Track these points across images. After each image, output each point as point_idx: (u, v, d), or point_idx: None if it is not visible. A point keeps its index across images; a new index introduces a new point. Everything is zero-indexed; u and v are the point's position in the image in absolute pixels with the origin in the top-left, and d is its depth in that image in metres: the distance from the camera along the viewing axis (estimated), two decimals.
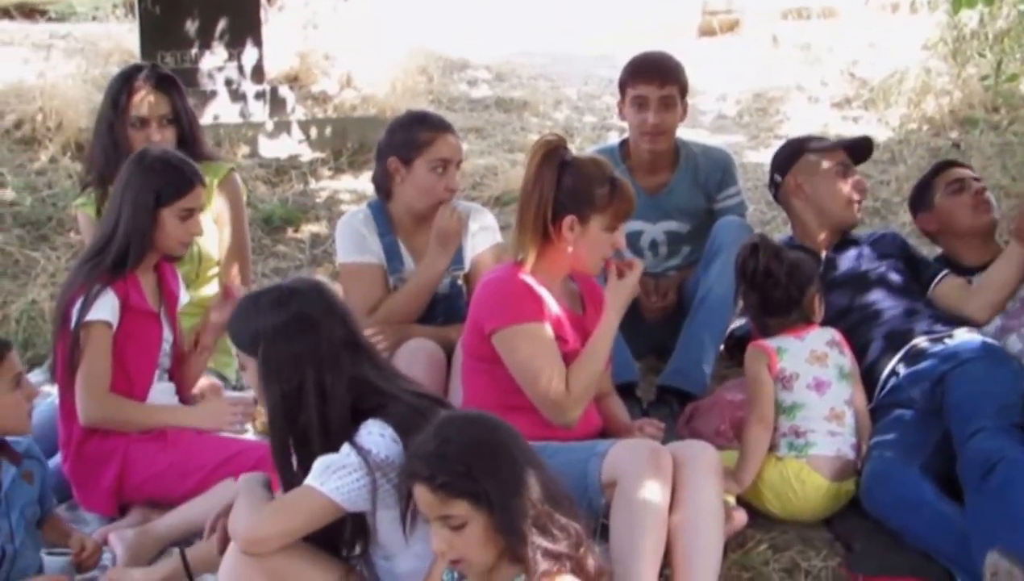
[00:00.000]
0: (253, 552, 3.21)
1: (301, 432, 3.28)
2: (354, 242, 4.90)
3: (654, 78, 5.19)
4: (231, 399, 4.52)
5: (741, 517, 4.04)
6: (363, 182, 7.59)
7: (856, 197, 5.00)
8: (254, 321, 3.34)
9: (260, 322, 3.33)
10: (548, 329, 3.94)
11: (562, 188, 3.97)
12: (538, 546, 2.83)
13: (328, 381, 3.27)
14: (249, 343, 3.35)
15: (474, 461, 2.83)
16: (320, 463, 3.21)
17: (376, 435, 3.19)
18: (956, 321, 4.71)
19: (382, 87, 9.26)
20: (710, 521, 3.61)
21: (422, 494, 2.86)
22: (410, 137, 4.83)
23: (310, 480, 3.20)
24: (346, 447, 3.19)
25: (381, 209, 4.94)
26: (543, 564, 2.83)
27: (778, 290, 4.38)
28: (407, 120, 4.97)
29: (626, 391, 4.60)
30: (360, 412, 3.27)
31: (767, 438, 4.24)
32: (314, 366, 3.27)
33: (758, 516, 4.23)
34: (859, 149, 5.16)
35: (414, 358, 4.48)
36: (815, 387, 4.26)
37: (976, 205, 5.00)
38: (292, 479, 3.30)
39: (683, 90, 5.27)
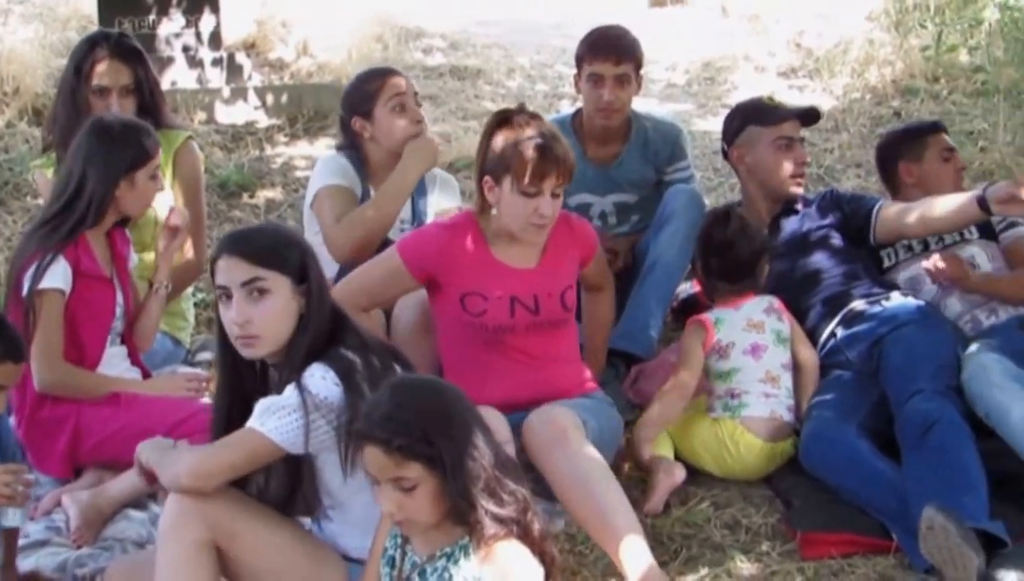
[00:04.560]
0: (197, 488, 3.17)
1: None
2: (335, 171, 4.89)
3: (610, 56, 5.16)
4: (186, 374, 4.49)
5: (680, 473, 4.10)
6: (319, 148, 7.53)
7: (797, 171, 4.96)
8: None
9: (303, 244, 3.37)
10: (399, 264, 4.15)
11: (488, 152, 4.06)
12: (487, 511, 2.82)
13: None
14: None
15: (430, 425, 2.81)
16: (261, 404, 3.19)
17: (318, 377, 3.16)
18: (892, 285, 4.73)
19: (338, 54, 9.20)
20: (589, 465, 3.66)
21: (375, 456, 2.83)
22: (362, 91, 4.89)
23: (251, 422, 3.18)
24: (290, 388, 3.17)
25: (357, 159, 4.94)
26: (491, 528, 2.83)
27: (736, 259, 4.44)
28: (354, 80, 5.06)
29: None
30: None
31: (678, 405, 4.30)
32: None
33: (701, 475, 4.26)
34: (805, 118, 5.14)
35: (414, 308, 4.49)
36: (751, 352, 4.30)
37: (956, 180, 5.05)
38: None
39: (638, 66, 5.24)
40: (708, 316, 4.40)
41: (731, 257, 4.45)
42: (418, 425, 2.80)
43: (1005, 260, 4.84)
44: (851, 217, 4.81)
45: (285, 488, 3.30)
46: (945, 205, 4.50)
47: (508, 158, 3.99)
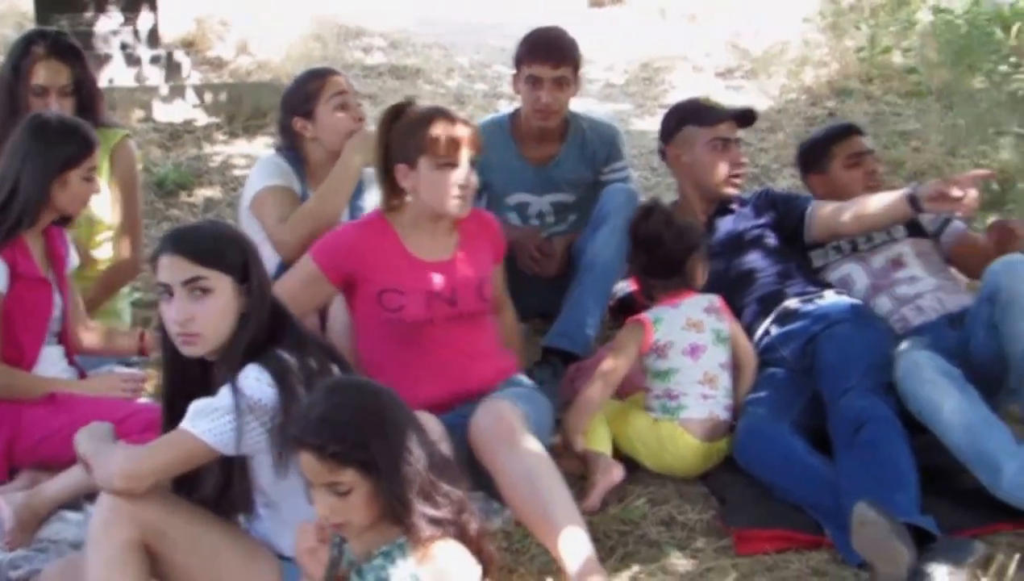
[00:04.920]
0: (130, 489, 3.15)
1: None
2: (274, 172, 4.87)
3: (548, 58, 5.17)
4: (122, 374, 4.44)
5: (618, 472, 4.10)
6: (257, 147, 7.52)
7: (733, 172, 4.98)
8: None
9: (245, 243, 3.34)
10: (314, 269, 4.16)
11: (391, 142, 4.09)
12: (422, 513, 2.81)
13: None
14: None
15: (364, 429, 2.79)
16: (195, 406, 3.17)
17: (252, 379, 3.14)
18: (825, 283, 4.77)
19: (277, 53, 9.19)
20: (536, 462, 3.67)
21: (309, 462, 2.81)
22: (302, 91, 4.88)
23: (184, 423, 3.16)
24: (224, 390, 3.15)
25: (296, 160, 4.92)
26: (427, 530, 2.81)
27: (664, 254, 4.43)
28: (295, 81, 5.04)
29: None
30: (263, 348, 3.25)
31: (600, 398, 4.29)
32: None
33: (638, 471, 4.27)
34: (742, 119, 5.16)
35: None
36: (690, 352, 4.30)
37: (868, 184, 5.01)
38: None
39: (576, 68, 5.26)
40: (647, 316, 4.39)
41: (658, 252, 4.45)
42: (352, 430, 2.78)
43: (952, 256, 4.89)
44: (785, 216, 4.84)
45: (218, 488, 3.27)
46: (877, 203, 4.54)
47: (420, 139, 4.03)
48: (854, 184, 5.00)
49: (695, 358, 4.30)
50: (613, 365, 4.31)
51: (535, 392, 4.22)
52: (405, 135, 4.07)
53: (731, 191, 4.99)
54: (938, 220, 4.93)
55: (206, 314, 3.21)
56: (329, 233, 4.29)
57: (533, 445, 3.72)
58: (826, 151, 5.11)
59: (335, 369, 3.29)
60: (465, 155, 4.05)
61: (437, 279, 4.13)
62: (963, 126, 7.51)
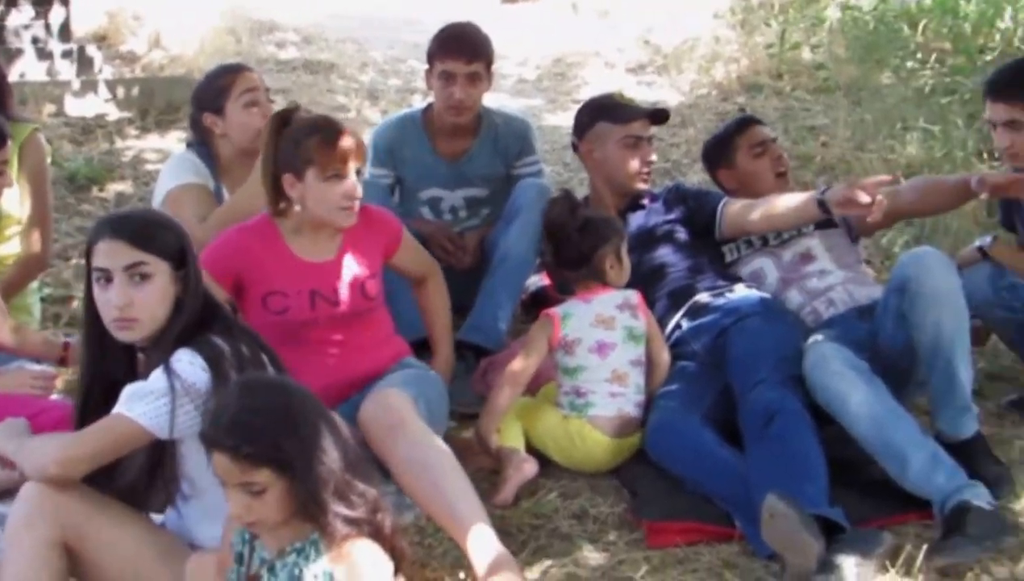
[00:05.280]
0: (66, 475, 3.12)
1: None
2: (187, 169, 4.83)
3: (461, 54, 5.15)
4: (32, 371, 4.37)
5: (531, 468, 4.08)
6: (169, 142, 7.45)
7: (643, 169, 4.98)
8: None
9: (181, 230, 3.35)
10: (205, 274, 3.92)
11: (280, 151, 4.06)
12: (337, 513, 2.79)
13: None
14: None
15: (278, 429, 2.76)
16: (129, 390, 3.15)
17: (186, 362, 3.13)
18: (736, 278, 4.78)
19: (190, 47, 9.11)
20: (432, 452, 3.66)
21: (223, 462, 2.77)
22: (213, 87, 4.85)
23: (118, 407, 3.14)
24: (157, 373, 3.13)
25: (208, 156, 4.88)
26: (342, 530, 2.79)
27: (569, 244, 4.42)
28: (206, 77, 5.01)
29: (422, 346, 4.57)
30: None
31: (508, 402, 4.26)
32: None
33: (550, 465, 4.25)
34: (655, 117, 5.15)
35: None
36: (597, 350, 4.27)
37: (776, 169, 5.04)
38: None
39: (489, 64, 5.24)
40: (557, 311, 4.37)
41: (561, 239, 4.45)
42: (266, 430, 2.75)
43: (858, 220, 4.86)
44: (696, 213, 4.85)
45: (143, 476, 3.24)
46: (787, 203, 4.58)
47: (306, 151, 4.00)
48: (763, 173, 5.02)
49: (603, 356, 4.28)
50: (522, 365, 4.29)
51: (425, 373, 4.21)
52: (292, 146, 4.04)
53: (641, 187, 4.99)
54: None
55: (145, 299, 3.21)
56: (217, 238, 4.24)
57: (427, 435, 3.72)
58: (729, 144, 5.11)
59: (266, 360, 3.29)
60: (351, 167, 4.04)
61: (320, 280, 4.12)
62: (871, 121, 7.58)
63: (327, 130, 4.04)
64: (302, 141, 4.01)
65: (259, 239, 4.14)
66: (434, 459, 3.64)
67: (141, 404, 3.12)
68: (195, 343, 3.18)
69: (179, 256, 3.26)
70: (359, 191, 4.08)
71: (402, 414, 3.75)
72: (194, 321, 3.24)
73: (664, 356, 4.44)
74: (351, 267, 4.17)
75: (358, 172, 4.11)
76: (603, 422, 4.21)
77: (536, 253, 4.92)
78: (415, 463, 3.62)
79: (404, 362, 4.23)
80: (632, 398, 4.28)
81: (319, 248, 4.15)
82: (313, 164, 4.00)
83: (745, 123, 5.24)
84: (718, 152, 5.18)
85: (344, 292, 4.14)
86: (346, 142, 4.02)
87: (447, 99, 5.19)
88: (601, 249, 4.41)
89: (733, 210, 4.76)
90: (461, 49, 5.16)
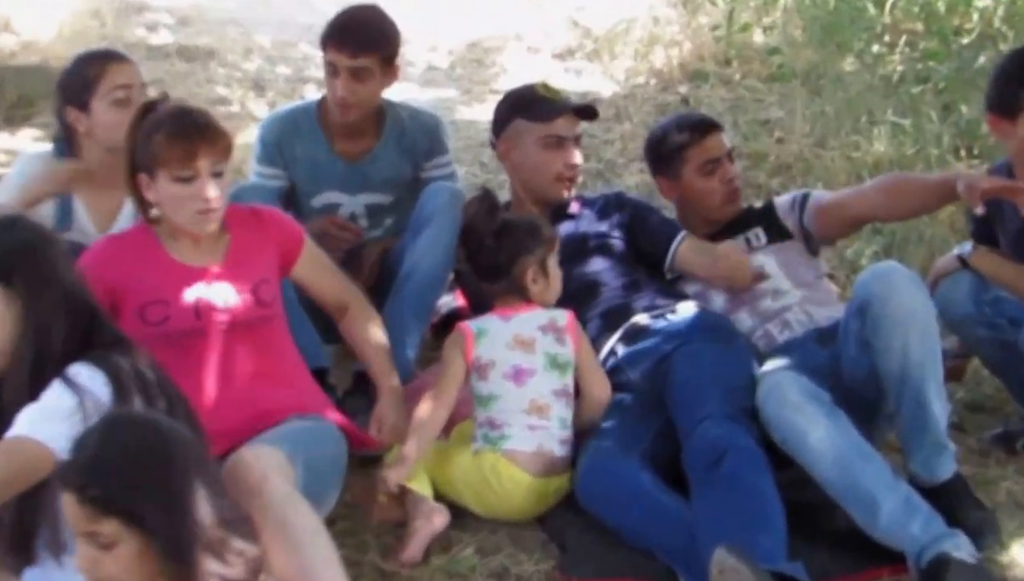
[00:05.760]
0: None
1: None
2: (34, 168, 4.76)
3: (345, 45, 5.06)
4: None
5: (441, 519, 4.04)
6: (22, 140, 7.37)
7: (566, 173, 4.99)
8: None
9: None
10: None
11: (136, 148, 4.04)
12: (211, 573, 2.76)
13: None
14: None
15: (136, 475, 2.72)
16: (27, 414, 3.14)
17: (86, 376, 3.14)
18: (679, 295, 4.78)
19: (47, 32, 9.01)
20: (294, 516, 3.61)
21: (69, 504, 2.73)
22: (79, 77, 4.74)
23: (18, 430, 3.12)
24: (57, 389, 3.12)
25: (68, 156, 4.78)
26: None
27: (485, 252, 4.42)
28: (73, 63, 4.86)
29: (317, 379, 4.52)
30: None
31: (438, 418, 4.23)
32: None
33: (466, 516, 4.22)
34: (582, 113, 5.14)
35: None
36: (513, 376, 4.24)
37: (727, 196, 5.02)
38: None
39: (388, 57, 5.14)
40: (470, 325, 4.35)
41: (474, 244, 4.47)
42: (121, 473, 2.71)
43: (824, 229, 4.91)
44: (640, 234, 4.91)
45: (23, 522, 3.23)
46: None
47: (155, 147, 3.97)
48: (709, 195, 5.00)
49: (519, 383, 4.23)
50: (440, 387, 4.26)
51: (316, 427, 4.10)
52: (144, 142, 4.01)
53: (562, 194, 5.00)
54: (794, 206, 4.97)
55: None
56: (85, 252, 4.17)
57: (286, 496, 3.65)
58: (677, 154, 5.05)
59: (166, 382, 3.33)
60: (204, 167, 3.98)
61: (204, 284, 4.08)
62: (832, 114, 7.61)
63: (175, 123, 3.98)
64: (152, 136, 3.97)
65: (133, 247, 4.11)
66: (292, 521, 3.58)
67: (49, 425, 3.10)
68: (90, 358, 3.18)
69: (3, 271, 3.22)
70: (212, 192, 4.00)
71: (265, 474, 3.67)
72: (69, 336, 3.23)
73: (598, 390, 4.39)
74: (241, 270, 4.13)
75: (217, 173, 4.01)
76: (521, 458, 4.16)
77: (448, 268, 4.90)
78: (273, 527, 3.56)
79: (306, 415, 4.13)
80: (555, 433, 4.23)
81: (202, 253, 4.12)
82: (162, 163, 3.96)
83: (700, 130, 5.12)
84: (662, 157, 5.13)
85: (232, 297, 4.09)
86: (197, 137, 3.97)
87: (331, 94, 5.17)
88: (522, 259, 4.37)
89: (688, 257, 4.84)
90: (345, 40, 5.09)
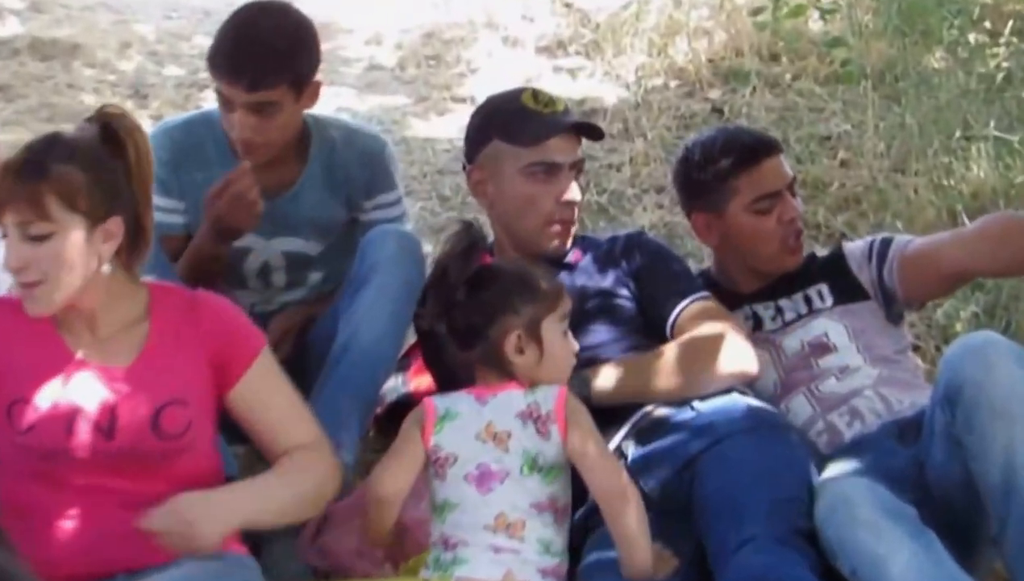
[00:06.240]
0: None
1: None
2: None
3: (241, 78, 5.03)
4: None
5: None
6: None
7: (562, 216, 4.93)
8: None
9: None
10: None
11: None
12: None
13: None
14: None
15: None
16: None
17: None
18: None
19: None
20: None
21: None
22: None
23: None
24: None
25: None
26: None
27: (454, 307, 4.35)
28: None
29: None
30: None
31: (394, 490, 4.22)
32: None
33: None
34: (583, 132, 5.10)
35: None
36: (476, 479, 4.14)
37: (787, 242, 5.04)
38: None
39: (299, 80, 5.13)
40: (436, 402, 4.29)
41: (442, 295, 4.34)
42: None
43: (910, 285, 4.93)
44: (644, 300, 4.90)
45: None
46: None
47: None
48: (763, 239, 5.02)
49: (483, 489, 4.14)
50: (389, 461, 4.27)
51: (236, 568, 4.09)
52: None
53: (555, 242, 4.97)
54: (870, 256, 5.01)
55: None
56: None
57: None
58: (723, 182, 5.06)
59: None
60: (13, 220, 3.94)
61: (94, 394, 4.03)
62: (914, 127, 7.64)
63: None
64: None
65: (17, 318, 4.07)
66: None
67: None
68: None
69: None
70: (27, 259, 3.94)
71: None
72: None
73: (611, 481, 4.20)
74: (148, 382, 4.07)
75: (34, 236, 3.91)
76: None
77: (398, 339, 4.95)
78: None
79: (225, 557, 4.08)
80: (532, 560, 4.12)
81: (102, 345, 4.10)
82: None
83: (753, 153, 5.12)
84: (700, 190, 5.15)
85: (125, 419, 4.03)
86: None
87: (229, 131, 5.17)
88: (502, 320, 4.30)
89: (681, 325, 4.81)
90: (239, 71, 5.05)
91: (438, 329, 4.38)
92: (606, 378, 4.63)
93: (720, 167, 5.08)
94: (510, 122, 5.00)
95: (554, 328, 4.32)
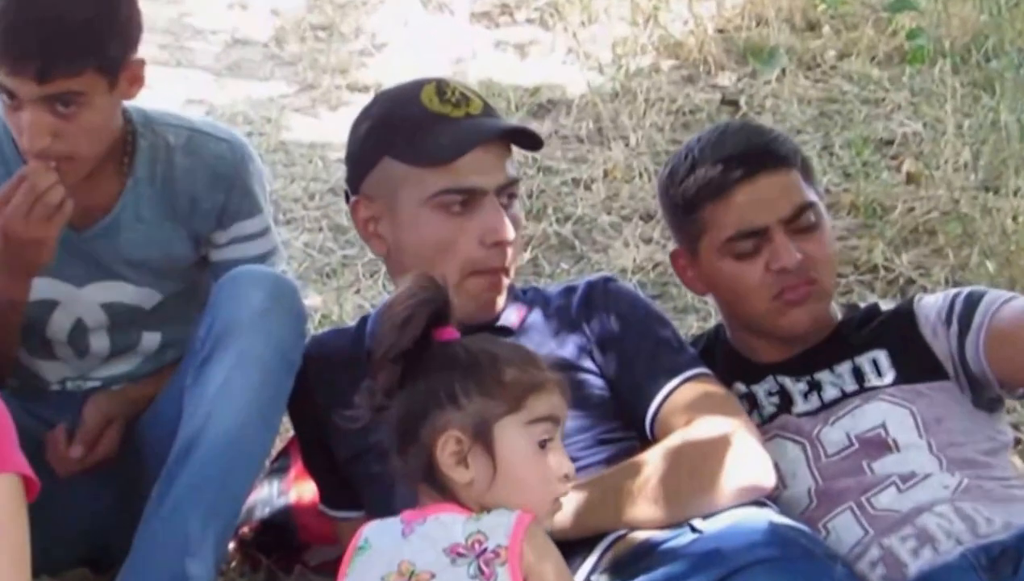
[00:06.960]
0: None
1: None
2: None
3: (27, 66, 4.94)
4: None
5: None
6: None
7: (484, 264, 4.82)
8: None
9: None
10: None
11: None
12: None
13: None
14: None
15: None
16: None
17: None
18: None
19: None
20: None
21: None
22: None
23: None
24: None
25: None
26: None
27: (389, 392, 4.28)
28: None
29: None
30: None
31: None
32: None
33: None
34: (516, 140, 5.01)
35: None
36: None
37: (775, 289, 4.97)
38: None
39: (113, 62, 5.05)
40: (364, 530, 4.26)
41: (380, 378, 4.23)
42: None
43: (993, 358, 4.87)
44: (617, 382, 4.88)
45: None
46: None
47: None
48: (747, 293, 5.00)
49: None
50: None
51: None
52: None
53: (480, 303, 4.87)
54: (950, 316, 4.96)
55: None
56: None
57: None
58: (689, 210, 5.05)
59: None
60: None
61: None
62: (1014, 127, 7.67)
63: None
64: None
65: None
66: None
67: None
68: None
69: None
70: None
71: None
72: None
73: None
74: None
75: None
76: None
77: (268, 429, 4.98)
78: None
79: None
80: None
81: None
82: None
83: (745, 163, 5.02)
84: (673, 212, 5.17)
85: None
86: None
87: (18, 137, 5.12)
88: (433, 417, 4.30)
89: (663, 422, 4.77)
90: (23, 55, 4.97)
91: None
92: (564, 505, 4.53)
93: (686, 188, 5.05)
94: (405, 132, 4.89)
95: (517, 435, 4.21)
